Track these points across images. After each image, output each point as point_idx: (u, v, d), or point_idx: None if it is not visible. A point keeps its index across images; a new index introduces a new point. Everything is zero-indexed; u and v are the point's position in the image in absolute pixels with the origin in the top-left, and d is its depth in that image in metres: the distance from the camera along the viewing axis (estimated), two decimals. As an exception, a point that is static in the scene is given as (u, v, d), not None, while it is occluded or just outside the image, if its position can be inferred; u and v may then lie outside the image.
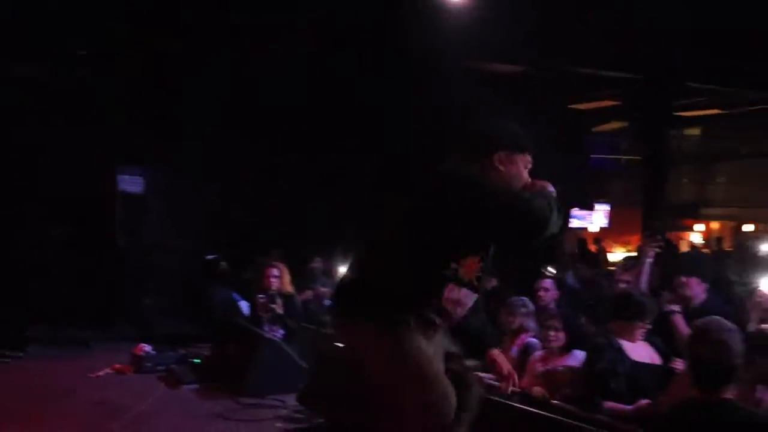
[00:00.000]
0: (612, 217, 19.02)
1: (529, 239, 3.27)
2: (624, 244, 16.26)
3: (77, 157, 9.07)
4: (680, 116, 16.64)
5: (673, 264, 6.06)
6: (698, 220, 20.40)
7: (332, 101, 11.27)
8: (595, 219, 17.41)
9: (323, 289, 9.19)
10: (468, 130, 3.59)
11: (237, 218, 11.20)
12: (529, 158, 3.46)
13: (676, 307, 5.17)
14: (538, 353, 5.54)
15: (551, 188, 3.42)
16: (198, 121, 10.56)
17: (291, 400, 6.37)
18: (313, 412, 5.99)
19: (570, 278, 9.58)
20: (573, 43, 11.79)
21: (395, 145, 11.97)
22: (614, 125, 17.60)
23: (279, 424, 5.92)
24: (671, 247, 11.08)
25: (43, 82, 9.08)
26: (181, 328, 8.91)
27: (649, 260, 5.61)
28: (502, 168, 3.36)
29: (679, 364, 4.72)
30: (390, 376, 3.15)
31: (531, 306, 6.20)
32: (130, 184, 9.49)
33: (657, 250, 5.72)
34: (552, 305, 6.55)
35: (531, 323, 5.96)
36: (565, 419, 4.32)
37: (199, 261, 10.05)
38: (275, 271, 7.76)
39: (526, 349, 5.76)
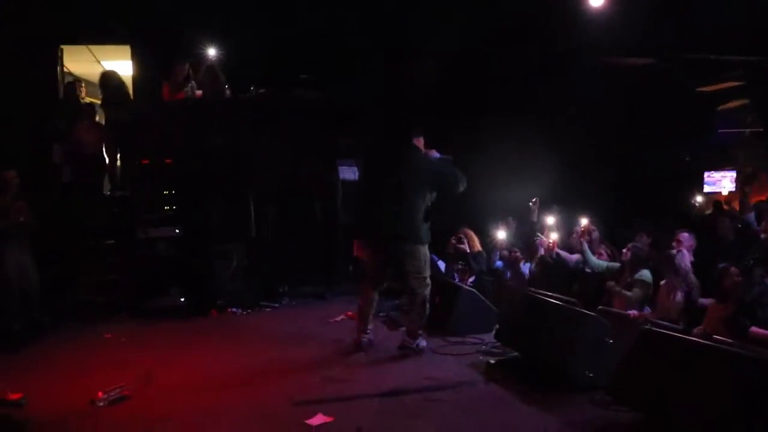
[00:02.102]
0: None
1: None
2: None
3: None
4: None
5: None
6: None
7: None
8: (724, 184, 15.95)
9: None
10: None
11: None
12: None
13: None
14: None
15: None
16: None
17: (488, 338, 6.35)
18: (507, 347, 5.76)
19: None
20: (697, 34, 10.77)
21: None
22: (736, 103, 16.03)
23: (481, 357, 5.74)
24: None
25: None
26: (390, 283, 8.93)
27: None
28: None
29: None
30: None
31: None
32: (348, 172, 9.65)
33: None
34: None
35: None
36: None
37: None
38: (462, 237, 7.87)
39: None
